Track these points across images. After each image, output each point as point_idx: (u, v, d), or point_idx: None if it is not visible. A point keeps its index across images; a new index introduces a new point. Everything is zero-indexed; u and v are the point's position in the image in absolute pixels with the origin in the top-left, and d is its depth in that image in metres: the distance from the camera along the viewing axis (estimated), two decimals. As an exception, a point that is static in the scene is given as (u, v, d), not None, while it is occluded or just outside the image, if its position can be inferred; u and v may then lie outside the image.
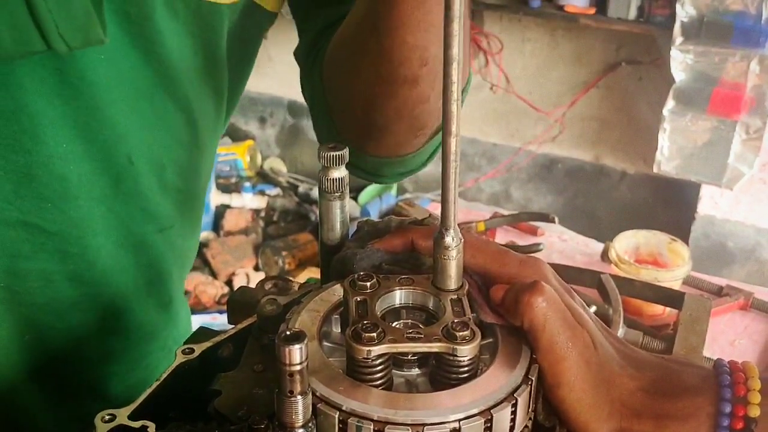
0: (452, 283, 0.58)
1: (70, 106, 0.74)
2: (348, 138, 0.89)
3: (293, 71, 0.96)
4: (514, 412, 0.53)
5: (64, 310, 0.83)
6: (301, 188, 4.47)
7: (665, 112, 3.13)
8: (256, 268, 3.96)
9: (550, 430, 0.57)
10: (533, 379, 0.54)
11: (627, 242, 1.70)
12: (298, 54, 0.95)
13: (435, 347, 0.53)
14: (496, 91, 3.91)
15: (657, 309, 1.56)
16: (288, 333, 0.47)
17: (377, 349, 0.52)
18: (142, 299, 0.91)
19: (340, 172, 0.64)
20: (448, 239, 0.57)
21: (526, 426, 0.55)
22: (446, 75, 0.54)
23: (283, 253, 3.91)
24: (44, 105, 0.72)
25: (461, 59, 0.54)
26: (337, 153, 0.63)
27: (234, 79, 0.92)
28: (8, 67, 0.69)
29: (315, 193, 4.13)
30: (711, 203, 3.37)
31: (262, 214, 4.29)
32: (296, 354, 0.46)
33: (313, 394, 0.51)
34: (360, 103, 0.86)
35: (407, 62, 0.77)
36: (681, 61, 3.04)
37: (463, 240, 0.58)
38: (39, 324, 0.83)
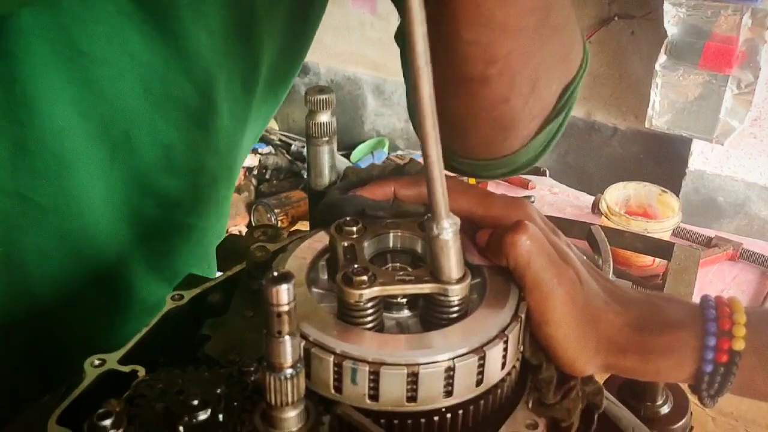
0: (454, 272, 0.53)
1: (63, 79, 0.71)
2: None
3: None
4: (505, 349, 0.53)
5: (61, 284, 0.82)
6: (294, 146, 4.45)
7: (657, 66, 3.11)
8: (249, 226, 3.95)
9: (538, 368, 0.58)
10: (522, 316, 0.55)
11: (617, 194, 1.71)
12: (397, 37, 0.84)
13: (426, 288, 0.53)
14: (487, 47, 3.87)
15: (646, 260, 1.57)
16: (275, 274, 0.46)
17: (369, 292, 0.52)
18: (141, 274, 0.89)
19: (327, 116, 0.64)
20: (442, 226, 0.51)
21: (513, 366, 0.56)
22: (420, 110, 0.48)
23: (276, 210, 3.92)
24: (37, 78, 0.70)
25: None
26: (324, 96, 0.63)
27: (281, 60, 0.86)
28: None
29: (306, 151, 4.10)
30: (701, 158, 3.37)
31: (255, 172, 4.28)
32: (284, 294, 0.46)
33: (306, 339, 0.52)
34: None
35: (469, 61, 0.68)
36: (674, 15, 3.01)
37: (459, 223, 0.52)
38: (34, 295, 0.81)
